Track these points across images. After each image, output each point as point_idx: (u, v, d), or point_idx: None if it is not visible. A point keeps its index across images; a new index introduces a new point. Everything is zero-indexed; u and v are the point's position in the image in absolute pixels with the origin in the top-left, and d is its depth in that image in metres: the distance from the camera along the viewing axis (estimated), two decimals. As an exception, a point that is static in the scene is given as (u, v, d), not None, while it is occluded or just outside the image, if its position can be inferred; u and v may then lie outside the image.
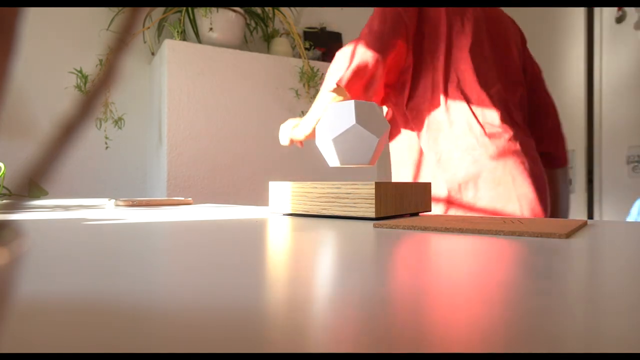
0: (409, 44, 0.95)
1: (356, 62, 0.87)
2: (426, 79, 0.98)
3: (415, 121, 0.99)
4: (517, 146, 0.93)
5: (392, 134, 1.06)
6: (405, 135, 1.02)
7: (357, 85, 0.89)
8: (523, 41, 1.12)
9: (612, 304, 0.16)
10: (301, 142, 1.09)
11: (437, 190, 0.95)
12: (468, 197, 0.93)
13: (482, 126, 0.94)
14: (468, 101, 0.95)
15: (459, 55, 0.96)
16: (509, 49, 1.04)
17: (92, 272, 0.22)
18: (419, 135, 0.99)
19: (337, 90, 0.90)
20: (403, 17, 0.93)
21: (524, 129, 1.00)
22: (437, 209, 0.95)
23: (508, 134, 0.93)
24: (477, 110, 0.95)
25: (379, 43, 0.89)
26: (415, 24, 0.96)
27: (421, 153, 0.99)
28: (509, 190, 0.90)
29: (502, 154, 0.92)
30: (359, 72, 0.87)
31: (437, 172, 0.96)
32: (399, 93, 1.00)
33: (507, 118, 0.96)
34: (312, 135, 1.00)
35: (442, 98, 0.96)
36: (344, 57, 0.90)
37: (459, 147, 0.94)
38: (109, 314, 0.15)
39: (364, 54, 0.88)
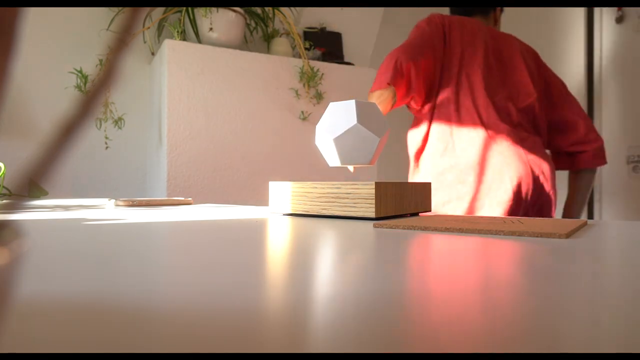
0: (437, 58, 1.20)
1: (394, 62, 1.11)
2: (445, 87, 1.21)
3: (431, 119, 1.23)
4: (514, 139, 1.14)
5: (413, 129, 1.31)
6: (420, 130, 1.25)
7: (400, 82, 1.11)
8: (537, 63, 1.32)
9: (611, 304, 0.16)
10: None
11: (443, 172, 1.19)
12: (469, 180, 1.14)
13: (484, 125, 1.16)
14: (475, 106, 1.18)
15: (471, 71, 1.20)
16: (515, 68, 1.26)
17: (92, 272, 0.22)
18: (431, 130, 1.23)
19: (386, 87, 1.11)
20: (432, 37, 1.20)
21: (526, 128, 1.21)
22: (444, 189, 1.18)
23: (505, 131, 1.14)
24: (482, 112, 1.17)
25: (412, 51, 1.13)
26: (442, 44, 1.22)
27: (427, 143, 1.24)
28: (502, 174, 1.11)
29: (498, 146, 1.13)
30: (398, 70, 1.10)
31: (444, 158, 1.19)
32: (428, 97, 1.23)
33: (507, 119, 1.18)
34: None
35: (454, 102, 1.19)
36: (388, 61, 1.13)
37: (464, 140, 1.16)
38: (109, 313, 0.15)
39: (400, 57, 1.11)
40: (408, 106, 1.25)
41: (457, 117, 1.18)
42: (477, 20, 1.28)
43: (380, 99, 1.08)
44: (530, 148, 1.15)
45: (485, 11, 1.33)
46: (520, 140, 1.14)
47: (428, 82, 1.19)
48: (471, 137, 1.15)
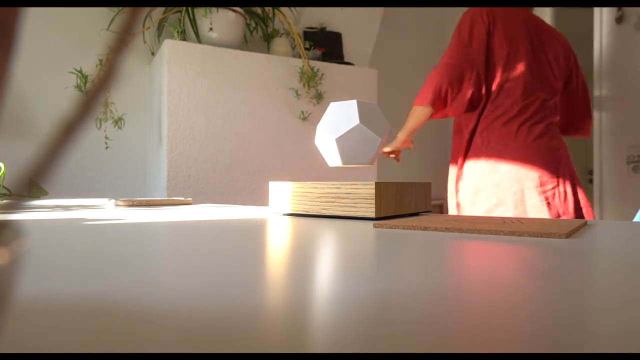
0: (480, 74, 1.32)
1: (434, 86, 1.30)
2: (488, 86, 1.36)
3: (471, 118, 1.39)
4: (546, 134, 1.32)
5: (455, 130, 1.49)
6: (463, 129, 1.43)
7: (438, 105, 1.30)
8: (567, 55, 1.48)
9: (611, 304, 0.16)
10: (396, 155, 1.44)
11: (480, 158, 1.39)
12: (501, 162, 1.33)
13: (520, 122, 1.32)
14: (512, 104, 1.33)
15: (514, 72, 1.33)
16: (550, 64, 1.40)
17: (92, 272, 0.22)
18: (473, 127, 1.39)
19: (427, 105, 1.31)
20: (473, 51, 1.32)
21: (553, 121, 1.38)
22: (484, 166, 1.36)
23: (538, 129, 1.31)
24: (518, 111, 1.32)
25: (453, 74, 1.30)
26: (486, 49, 1.33)
27: (471, 140, 1.40)
28: (532, 159, 1.30)
29: (528, 138, 1.31)
30: (436, 94, 1.29)
31: (482, 149, 1.37)
32: (466, 111, 1.39)
33: (540, 117, 1.33)
34: (404, 144, 1.39)
35: (494, 102, 1.35)
36: (430, 81, 1.32)
37: (499, 135, 1.33)
38: (109, 313, 0.15)
39: (440, 80, 1.29)
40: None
41: (497, 115, 1.32)
42: (519, 11, 1.37)
43: (422, 113, 1.30)
44: (552, 137, 1.33)
45: None
46: (548, 135, 1.31)
47: (466, 101, 1.33)
48: (506, 134, 1.31)
